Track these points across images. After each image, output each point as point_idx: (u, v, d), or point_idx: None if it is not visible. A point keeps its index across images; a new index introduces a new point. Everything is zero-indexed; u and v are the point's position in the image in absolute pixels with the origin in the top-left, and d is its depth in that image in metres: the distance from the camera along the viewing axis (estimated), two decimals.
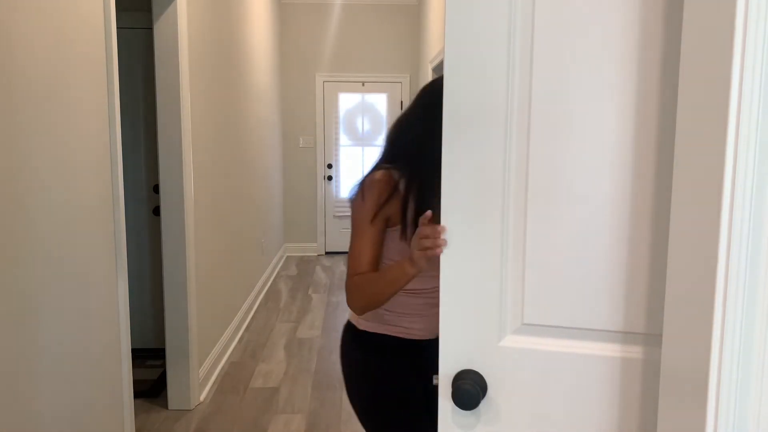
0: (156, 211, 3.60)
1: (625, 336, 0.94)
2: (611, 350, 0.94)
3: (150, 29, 2.83)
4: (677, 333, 0.80)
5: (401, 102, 6.84)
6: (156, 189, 3.58)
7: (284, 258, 6.81)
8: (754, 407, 0.73)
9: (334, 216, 7.00)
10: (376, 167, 1.44)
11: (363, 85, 6.80)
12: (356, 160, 6.85)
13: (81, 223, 1.81)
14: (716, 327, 0.73)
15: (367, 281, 1.33)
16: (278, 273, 6.10)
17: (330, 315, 4.65)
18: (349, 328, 1.52)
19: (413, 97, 1.57)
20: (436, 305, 1.47)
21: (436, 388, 1.50)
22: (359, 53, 6.80)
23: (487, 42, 0.93)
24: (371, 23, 6.81)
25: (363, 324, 1.48)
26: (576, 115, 0.92)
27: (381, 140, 6.98)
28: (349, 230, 1.49)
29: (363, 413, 1.51)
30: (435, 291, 1.44)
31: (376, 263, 1.39)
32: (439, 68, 5.20)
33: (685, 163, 0.78)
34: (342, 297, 5.13)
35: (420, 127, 1.39)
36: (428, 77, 5.71)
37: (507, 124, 0.93)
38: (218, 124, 3.59)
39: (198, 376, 3.05)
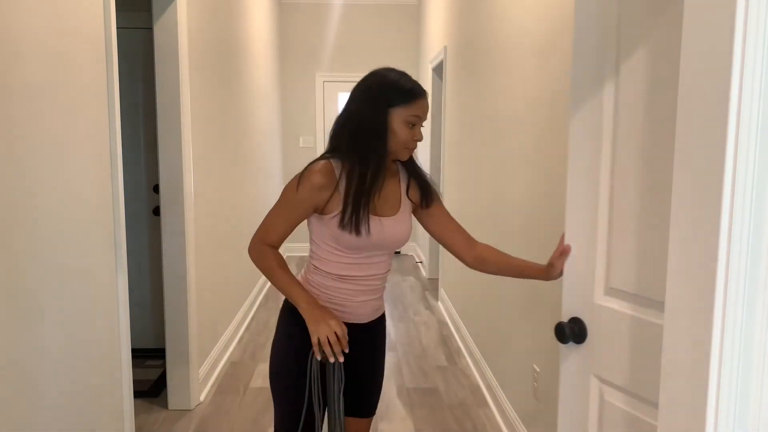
0: (156, 211, 3.60)
1: None
2: None
3: (150, 29, 2.83)
4: (678, 330, 0.80)
5: None
6: (156, 189, 3.58)
7: (284, 258, 6.81)
8: (755, 402, 0.73)
9: None
10: (320, 157, 1.53)
11: None
12: None
13: (81, 223, 1.81)
14: (716, 325, 0.73)
15: (273, 267, 1.51)
16: None
17: None
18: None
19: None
20: (364, 293, 1.56)
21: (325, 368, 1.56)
22: (359, 53, 6.80)
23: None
24: (371, 23, 6.81)
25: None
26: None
27: None
28: None
29: (280, 377, 1.57)
30: (367, 279, 1.55)
31: (282, 241, 1.55)
32: (438, 68, 5.20)
33: (687, 157, 0.78)
34: None
35: (356, 121, 1.48)
36: (429, 77, 5.71)
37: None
38: (218, 124, 3.59)
39: (198, 376, 3.05)
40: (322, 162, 1.48)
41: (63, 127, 1.70)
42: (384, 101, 1.44)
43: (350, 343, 1.52)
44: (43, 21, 1.59)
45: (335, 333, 1.39)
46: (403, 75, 1.49)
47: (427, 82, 5.76)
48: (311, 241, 1.58)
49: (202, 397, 3.10)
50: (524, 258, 1.68)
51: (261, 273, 1.52)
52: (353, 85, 1.53)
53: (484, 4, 3.35)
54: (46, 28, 1.61)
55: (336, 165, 1.48)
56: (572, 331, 1.25)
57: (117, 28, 2.05)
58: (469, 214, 3.71)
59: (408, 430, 2.80)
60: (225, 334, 3.72)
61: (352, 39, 6.80)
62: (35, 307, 1.57)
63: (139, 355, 3.56)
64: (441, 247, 4.96)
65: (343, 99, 6.80)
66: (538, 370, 2.33)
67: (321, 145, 6.81)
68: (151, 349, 3.68)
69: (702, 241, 0.74)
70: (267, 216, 1.54)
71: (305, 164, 1.52)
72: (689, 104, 0.77)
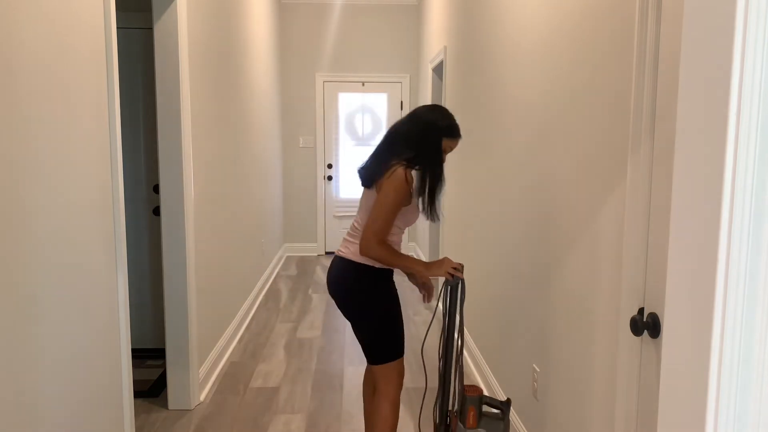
0: (156, 211, 3.60)
1: None
2: None
3: (150, 29, 2.83)
4: (678, 330, 0.80)
5: (401, 102, 6.84)
6: (156, 189, 3.58)
7: (284, 258, 6.81)
8: (755, 402, 0.73)
9: (334, 216, 7.00)
10: (405, 166, 2.04)
11: (363, 85, 6.80)
12: (356, 160, 6.85)
13: (81, 223, 1.81)
14: (716, 327, 0.73)
15: (393, 252, 2.04)
16: (278, 273, 6.10)
17: (330, 315, 4.65)
18: (358, 267, 2.12)
19: (418, 102, 1.72)
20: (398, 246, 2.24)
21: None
22: (359, 53, 6.80)
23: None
24: (371, 23, 6.81)
25: (370, 261, 2.11)
26: None
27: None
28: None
29: (382, 324, 2.14)
30: (400, 244, 2.22)
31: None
32: (438, 68, 5.20)
33: (687, 158, 0.78)
34: None
35: (424, 142, 2.10)
36: (428, 77, 5.71)
37: None
38: (218, 124, 3.59)
39: (198, 376, 3.05)
40: (411, 171, 2.06)
41: (63, 127, 1.70)
42: (440, 132, 2.11)
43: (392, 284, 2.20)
44: (43, 21, 1.59)
45: (453, 266, 2.07)
46: (453, 118, 2.16)
47: (426, 82, 5.76)
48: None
49: (202, 397, 3.10)
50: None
51: (380, 260, 2.04)
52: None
53: (484, 4, 3.35)
54: (45, 28, 1.61)
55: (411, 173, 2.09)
56: (643, 324, 1.38)
57: (117, 28, 2.05)
58: (467, 214, 3.71)
59: (408, 430, 2.80)
60: (225, 334, 3.72)
61: (352, 39, 6.80)
62: (35, 307, 1.57)
63: (139, 355, 3.57)
64: (441, 247, 4.97)
65: (343, 99, 6.83)
66: (538, 370, 2.33)
67: (321, 145, 6.82)
68: (151, 349, 3.68)
69: (702, 241, 0.74)
70: (380, 217, 2.00)
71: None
72: (689, 104, 0.77)
